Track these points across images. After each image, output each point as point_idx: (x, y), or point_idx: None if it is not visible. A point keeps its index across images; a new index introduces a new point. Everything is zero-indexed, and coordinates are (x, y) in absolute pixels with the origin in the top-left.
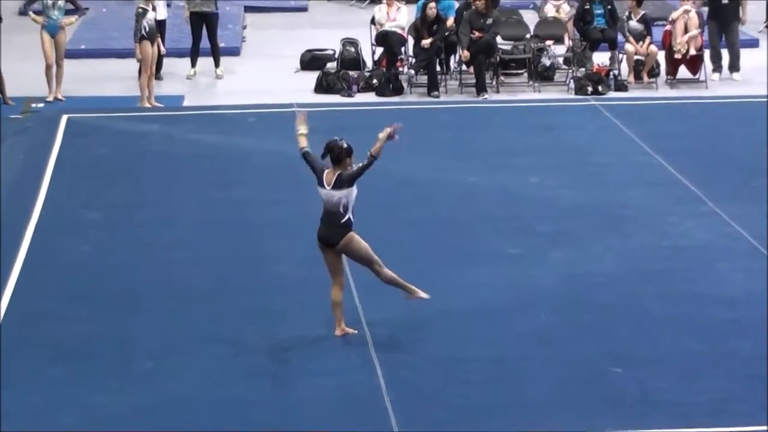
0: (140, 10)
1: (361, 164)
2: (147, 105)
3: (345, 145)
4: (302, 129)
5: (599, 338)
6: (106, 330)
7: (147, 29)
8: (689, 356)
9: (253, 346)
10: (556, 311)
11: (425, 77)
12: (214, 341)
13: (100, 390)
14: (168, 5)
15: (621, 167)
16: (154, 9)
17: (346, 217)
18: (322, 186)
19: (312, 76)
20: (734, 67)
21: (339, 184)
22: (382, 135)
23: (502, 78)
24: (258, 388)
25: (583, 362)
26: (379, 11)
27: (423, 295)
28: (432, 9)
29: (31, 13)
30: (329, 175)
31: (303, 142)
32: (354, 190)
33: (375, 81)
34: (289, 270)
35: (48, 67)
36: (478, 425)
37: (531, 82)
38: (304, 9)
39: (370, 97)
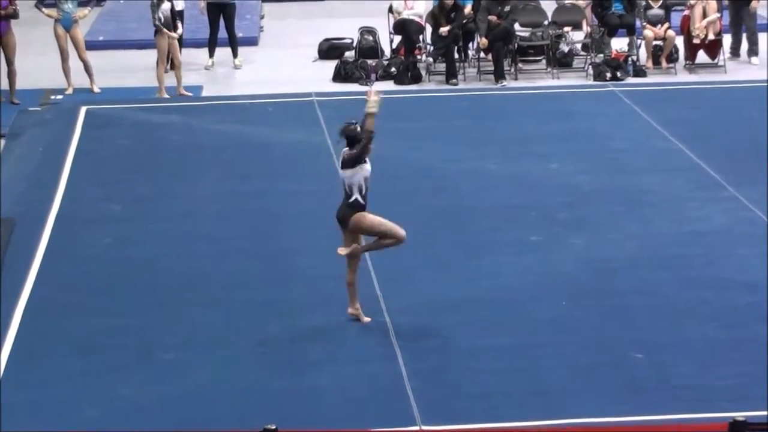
0: (155, 0)
1: (359, 145)
2: (165, 96)
3: (359, 129)
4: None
5: (619, 324)
6: (128, 322)
7: (162, 20)
8: (709, 341)
9: (275, 337)
10: (576, 298)
11: (443, 65)
12: (236, 332)
13: (123, 382)
14: None
15: (640, 153)
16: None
17: (353, 198)
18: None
19: (330, 65)
20: (752, 51)
21: (342, 165)
22: (367, 107)
23: (520, 65)
24: (280, 378)
25: (603, 349)
26: (397, 0)
27: (365, 319)
28: None
29: (43, 9)
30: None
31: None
32: (359, 171)
33: (393, 69)
34: (311, 261)
35: (64, 61)
36: (499, 413)
37: (549, 69)
38: None
39: (388, 85)
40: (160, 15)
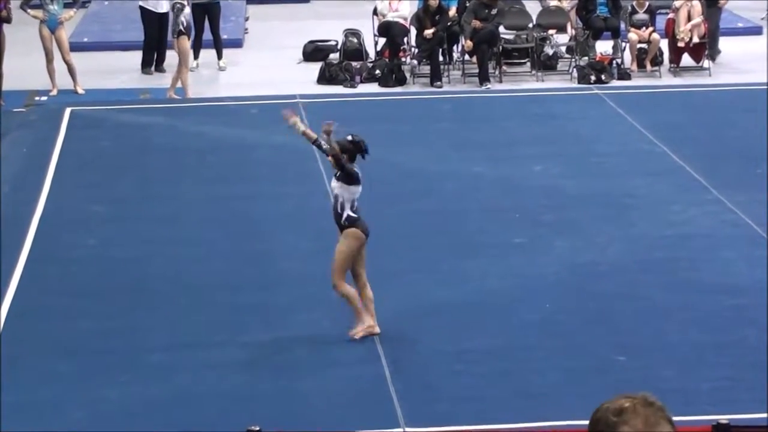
0: (178, 5)
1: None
2: (191, 95)
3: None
4: (300, 126)
5: (604, 327)
6: (114, 325)
7: (185, 24)
8: (693, 344)
9: (259, 340)
10: (560, 301)
11: (428, 67)
12: (220, 335)
13: (109, 384)
14: None
15: (625, 156)
16: (189, 4)
17: (345, 212)
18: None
19: (315, 67)
20: (710, 54)
21: (336, 178)
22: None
23: (504, 67)
24: (265, 380)
25: (587, 352)
26: (382, 1)
27: (375, 330)
28: None
29: (28, 10)
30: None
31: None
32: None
33: (378, 71)
34: (295, 265)
35: (49, 62)
36: (483, 416)
37: (534, 72)
38: (306, 0)
39: (373, 87)
40: (183, 19)
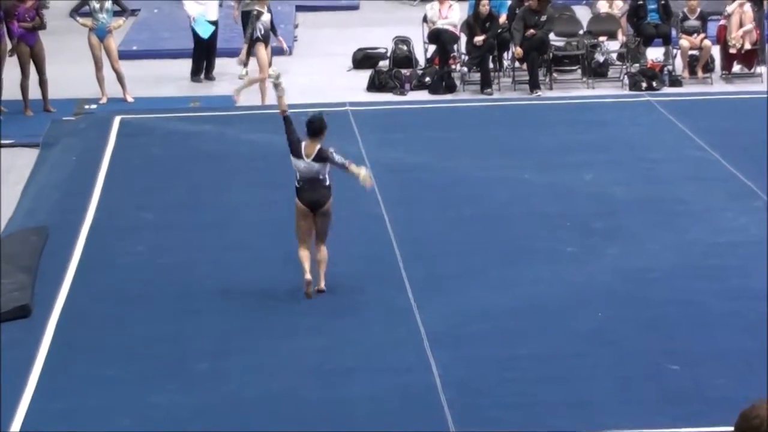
0: (255, 12)
1: (338, 159)
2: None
3: (325, 121)
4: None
5: (656, 335)
6: (162, 331)
7: (262, 31)
8: (745, 353)
9: (308, 346)
10: (611, 308)
11: (478, 75)
12: (269, 341)
13: (157, 391)
14: (220, 5)
15: (676, 163)
16: (269, 10)
17: (329, 181)
18: (300, 157)
19: (364, 75)
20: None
21: (320, 158)
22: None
23: (555, 75)
24: (313, 386)
25: (639, 360)
26: (431, 9)
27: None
28: (484, 6)
29: (77, 18)
30: (309, 147)
31: (284, 105)
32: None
33: (428, 79)
34: (343, 270)
35: (98, 71)
36: (534, 424)
37: (584, 79)
38: (355, 7)
39: (422, 95)
40: (260, 26)
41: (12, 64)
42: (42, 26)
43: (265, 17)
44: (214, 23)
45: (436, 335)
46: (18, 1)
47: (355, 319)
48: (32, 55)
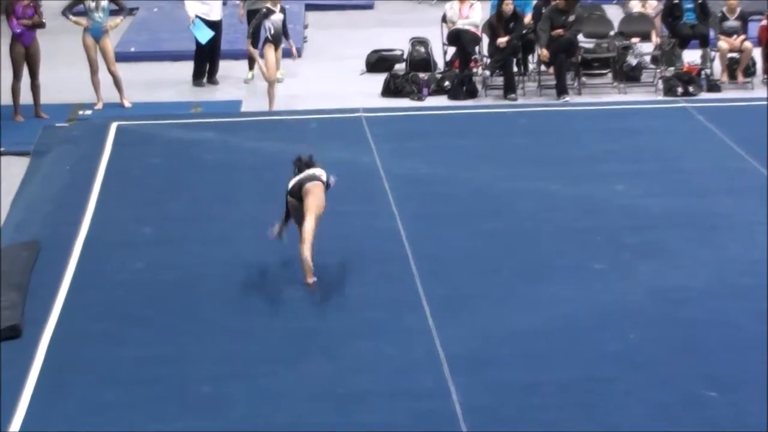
0: (265, 9)
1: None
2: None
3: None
4: None
5: (691, 359)
6: (162, 353)
7: (272, 31)
8: None
9: (318, 369)
10: (644, 329)
11: (501, 79)
12: (276, 364)
13: (156, 417)
14: (224, 4)
15: (714, 174)
16: (282, 11)
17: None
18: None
19: (379, 79)
20: None
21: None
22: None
23: (584, 79)
24: (323, 412)
25: (674, 385)
26: (451, 8)
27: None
28: (508, 5)
29: (71, 16)
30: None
31: None
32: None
33: (447, 83)
34: (357, 289)
35: (93, 74)
36: None
37: (615, 83)
38: (369, 6)
39: (441, 100)
40: (270, 26)
41: (2, 65)
42: (41, 24)
43: (276, 17)
44: (218, 23)
45: (456, 358)
46: None
47: (369, 340)
48: (27, 56)
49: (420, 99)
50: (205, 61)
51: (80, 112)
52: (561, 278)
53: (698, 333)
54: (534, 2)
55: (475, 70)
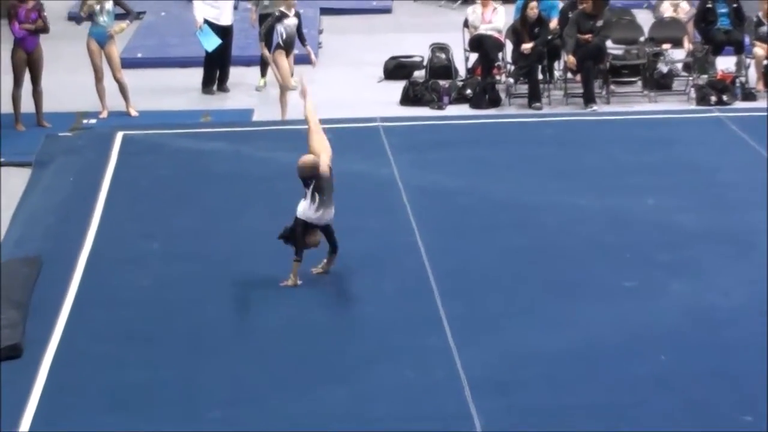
0: (278, 13)
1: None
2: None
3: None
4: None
5: (726, 383)
6: (169, 375)
7: (284, 36)
8: None
9: (333, 393)
10: (676, 352)
11: (525, 86)
12: (289, 388)
13: None
14: (235, 8)
15: (749, 187)
16: (297, 15)
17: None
18: None
19: (397, 87)
20: None
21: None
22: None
23: (612, 87)
24: None
25: (708, 410)
26: (473, 12)
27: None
28: (533, 9)
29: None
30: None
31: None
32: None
33: (469, 91)
34: (374, 309)
35: (98, 81)
36: None
37: (646, 92)
38: (387, 10)
39: (463, 109)
40: (282, 31)
41: (3, 71)
42: (45, 29)
43: (290, 21)
44: (229, 28)
45: (478, 381)
46: (18, 1)
47: (386, 362)
48: (29, 62)
49: (440, 108)
50: (216, 67)
51: (84, 121)
52: (589, 297)
53: (733, 355)
54: (560, 6)
55: (498, 77)
